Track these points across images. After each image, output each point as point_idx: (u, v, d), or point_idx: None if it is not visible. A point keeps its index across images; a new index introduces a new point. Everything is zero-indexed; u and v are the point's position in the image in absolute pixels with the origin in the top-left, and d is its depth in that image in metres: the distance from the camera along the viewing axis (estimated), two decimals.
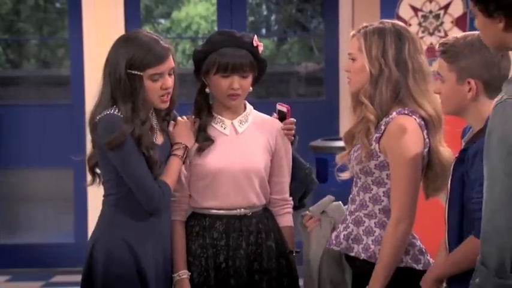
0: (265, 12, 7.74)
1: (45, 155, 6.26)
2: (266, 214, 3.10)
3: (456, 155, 2.62)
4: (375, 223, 2.78)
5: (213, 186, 3.02)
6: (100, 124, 2.86)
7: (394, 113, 2.74)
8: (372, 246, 2.75)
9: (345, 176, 2.91)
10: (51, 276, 6.02)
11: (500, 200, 1.98)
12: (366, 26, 2.82)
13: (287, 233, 3.12)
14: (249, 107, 3.13)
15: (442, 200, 2.75)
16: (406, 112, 2.74)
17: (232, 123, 3.07)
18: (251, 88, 3.06)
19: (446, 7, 5.21)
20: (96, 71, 5.86)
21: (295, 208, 3.17)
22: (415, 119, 2.74)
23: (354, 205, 2.83)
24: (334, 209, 2.98)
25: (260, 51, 3.05)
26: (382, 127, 2.75)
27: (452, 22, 5.20)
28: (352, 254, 2.80)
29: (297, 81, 7.11)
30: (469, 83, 2.55)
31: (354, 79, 2.82)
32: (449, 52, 2.58)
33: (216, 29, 6.54)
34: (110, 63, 2.90)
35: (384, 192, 2.77)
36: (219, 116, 3.07)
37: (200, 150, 3.01)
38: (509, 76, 2.09)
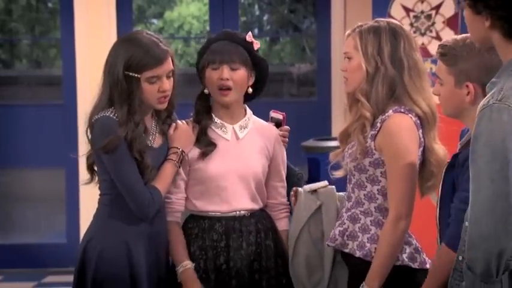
0: (257, 13, 7.75)
1: (37, 154, 6.25)
2: (263, 214, 3.11)
3: (449, 159, 2.63)
4: (370, 221, 2.78)
5: (212, 191, 3.02)
6: (96, 126, 2.85)
7: (391, 111, 2.75)
8: (368, 245, 2.76)
9: (338, 174, 2.92)
10: (43, 277, 6.01)
11: (484, 205, 1.99)
12: (361, 25, 2.84)
13: (284, 236, 3.11)
14: (249, 112, 3.12)
15: (433, 200, 2.76)
16: (402, 110, 2.75)
17: (233, 128, 3.06)
18: (250, 89, 3.05)
19: (437, 7, 5.22)
20: (88, 71, 5.92)
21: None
22: (411, 117, 2.75)
23: (349, 202, 2.84)
24: (326, 192, 2.97)
25: (256, 48, 3.04)
26: (378, 125, 2.76)
27: (443, 22, 5.21)
28: (347, 251, 2.80)
29: (289, 81, 7.11)
30: (467, 86, 2.54)
31: (350, 78, 2.83)
32: (448, 55, 2.57)
33: (208, 29, 6.55)
34: (109, 63, 2.88)
35: (378, 190, 2.78)
36: (220, 121, 3.06)
37: (204, 155, 3.00)
38: (492, 79, 2.10)
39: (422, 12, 5.23)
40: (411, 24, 5.21)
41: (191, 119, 3.08)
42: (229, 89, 2.98)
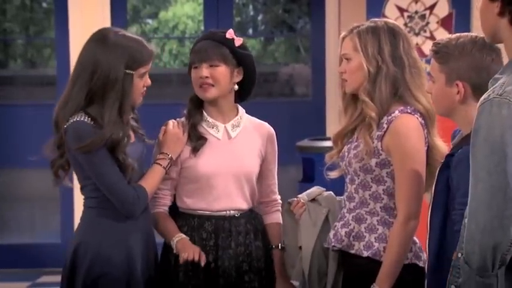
0: (251, 13, 7.74)
1: (31, 154, 6.23)
2: (253, 215, 3.12)
3: (442, 160, 2.64)
4: (377, 221, 2.79)
5: (203, 190, 3.02)
6: (71, 132, 2.81)
7: (397, 112, 2.77)
8: (376, 244, 2.76)
9: (333, 175, 2.93)
10: (37, 277, 6.00)
11: (481, 198, 2.00)
12: (358, 26, 2.84)
13: (275, 229, 3.13)
14: (242, 110, 3.13)
15: (426, 199, 2.77)
16: (408, 111, 2.76)
17: (225, 127, 3.07)
18: (236, 86, 3.06)
19: (431, 7, 5.24)
20: None
21: None
22: (417, 117, 2.76)
23: (353, 203, 2.83)
24: (327, 199, 2.96)
25: (237, 44, 3.04)
26: (385, 125, 2.76)
27: (437, 22, 5.23)
28: (353, 252, 2.80)
29: (283, 81, 7.11)
30: (457, 85, 2.56)
31: (350, 79, 2.84)
32: (441, 53, 2.59)
33: (202, 29, 6.55)
34: (97, 64, 2.83)
35: (383, 190, 2.78)
36: (212, 120, 3.06)
37: (195, 150, 3.01)
38: (495, 75, 2.10)
39: (416, 12, 5.24)
40: (405, 25, 5.23)
41: (182, 118, 3.08)
42: (211, 85, 3.00)
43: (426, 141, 2.79)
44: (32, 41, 7.41)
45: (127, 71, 2.83)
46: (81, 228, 2.96)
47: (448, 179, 2.55)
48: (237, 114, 3.10)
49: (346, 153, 2.84)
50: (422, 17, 5.24)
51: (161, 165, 2.96)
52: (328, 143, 2.99)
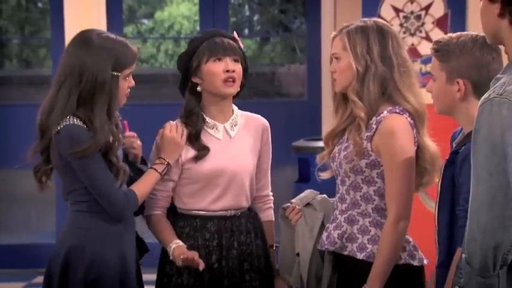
0: (247, 13, 7.75)
1: (26, 155, 6.22)
2: (251, 213, 3.11)
3: (447, 157, 2.64)
4: (369, 222, 2.78)
5: (205, 190, 3.02)
6: (64, 136, 2.78)
7: (385, 112, 2.76)
8: (369, 246, 2.76)
9: (325, 175, 2.92)
10: (33, 277, 5.99)
11: (482, 198, 2.00)
12: (348, 26, 2.84)
13: (268, 227, 3.13)
14: (235, 108, 3.13)
15: (419, 196, 2.77)
16: (397, 111, 2.76)
17: (224, 127, 3.06)
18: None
19: (427, 8, 5.24)
20: None
21: None
22: (406, 117, 2.76)
23: (344, 204, 2.83)
24: (322, 203, 2.95)
25: (242, 46, 3.06)
26: (374, 126, 2.76)
27: (433, 23, 5.23)
28: (346, 253, 2.79)
29: (279, 81, 7.12)
30: (458, 83, 2.57)
31: (339, 78, 2.83)
32: (441, 51, 2.60)
33: (198, 29, 6.55)
34: (83, 68, 2.78)
35: (374, 191, 2.78)
36: (211, 120, 3.05)
37: (197, 158, 3.00)
38: (497, 75, 2.10)
39: (412, 12, 5.25)
40: (401, 25, 5.23)
41: (178, 120, 3.06)
42: (234, 80, 2.99)
43: (415, 141, 2.78)
44: (27, 41, 7.41)
45: (113, 73, 2.80)
46: (70, 232, 2.91)
47: (453, 175, 2.56)
48: (233, 113, 3.10)
49: (337, 154, 2.84)
50: (418, 17, 5.24)
51: (157, 170, 2.94)
52: None
